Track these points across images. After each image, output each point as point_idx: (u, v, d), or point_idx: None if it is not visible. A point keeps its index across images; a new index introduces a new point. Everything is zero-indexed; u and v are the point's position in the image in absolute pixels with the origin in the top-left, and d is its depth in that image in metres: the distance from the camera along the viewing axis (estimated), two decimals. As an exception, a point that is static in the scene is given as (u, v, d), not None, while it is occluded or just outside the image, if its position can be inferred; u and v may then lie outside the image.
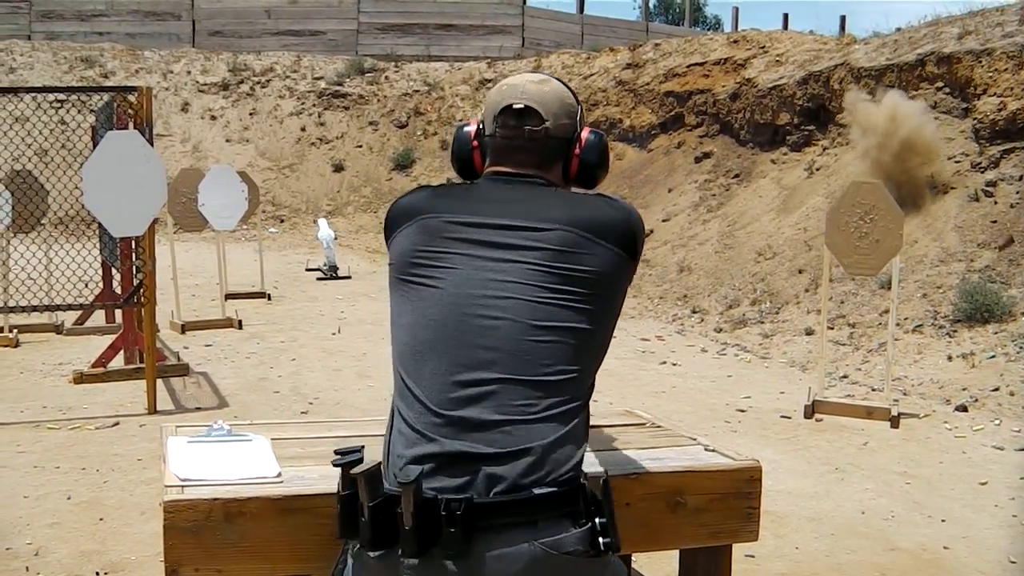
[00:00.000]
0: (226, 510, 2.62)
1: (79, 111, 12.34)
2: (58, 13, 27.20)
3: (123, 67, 25.04)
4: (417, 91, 24.02)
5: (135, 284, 8.03)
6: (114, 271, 9.99)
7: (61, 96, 18.07)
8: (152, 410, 7.57)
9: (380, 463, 2.24)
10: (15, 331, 10.50)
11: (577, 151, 2.58)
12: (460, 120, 22.16)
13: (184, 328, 10.87)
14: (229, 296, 12.18)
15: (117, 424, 7.33)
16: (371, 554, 2.22)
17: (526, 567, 2.17)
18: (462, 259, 2.38)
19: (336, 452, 2.28)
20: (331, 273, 15.25)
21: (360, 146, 22.69)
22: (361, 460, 2.23)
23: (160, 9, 26.55)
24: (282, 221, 20.54)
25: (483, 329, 2.31)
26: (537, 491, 2.20)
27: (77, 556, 4.99)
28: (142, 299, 7.77)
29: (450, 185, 2.62)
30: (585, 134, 2.60)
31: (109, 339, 9.35)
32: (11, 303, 9.44)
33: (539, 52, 24.82)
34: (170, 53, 25.24)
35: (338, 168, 22.16)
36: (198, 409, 7.72)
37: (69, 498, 5.78)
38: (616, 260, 2.39)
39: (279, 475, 2.80)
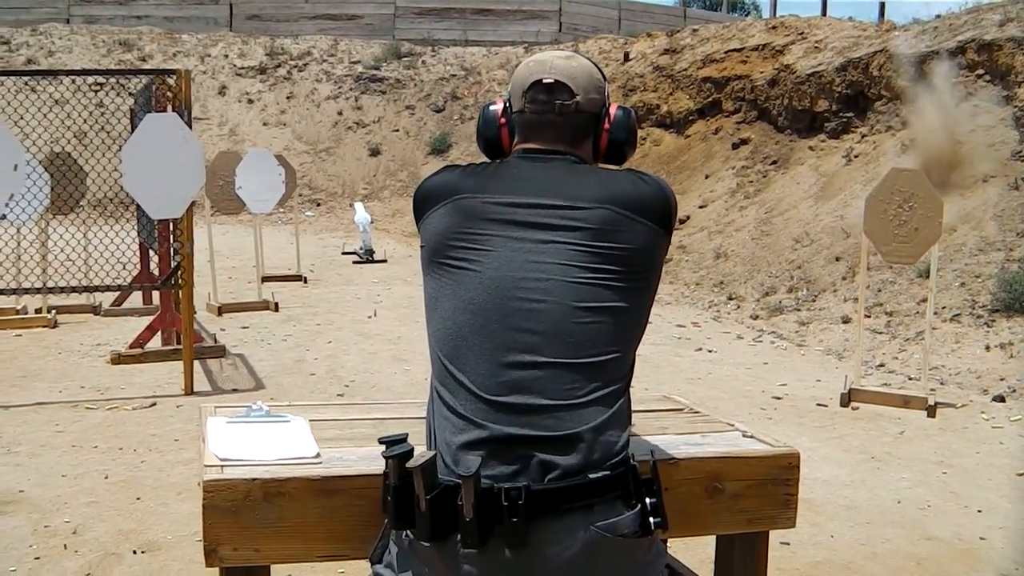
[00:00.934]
0: (265, 490, 2.63)
1: (118, 94, 12.39)
2: (96, -3, 27.33)
3: (161, 51, 25.14)
4: (454, 76, 24.03)
5: (173, 266, 8.07)
6: (152, 253, 10.04)
7: (100, 79, 18.21)
8: (189, 391, 7.62)
9: (434, 454, 2.22)
10: (53, 312, 10.58)
11: (606, 126, 2.54)
12: (497, 105, 22.16)
13: (221, 310, 10.93)
14: (266, 279, 12.24)
15: (154, 405, 7.38)
16: (426, 543, 2.22)
17: (582, 551, 2.17)
18: (500, 241, 2.34)
19: (381, 441, 2.28)
20: (367, 257, 15.29)
21: (397, 130, 22.71)
22: (410, 451, 2.22)
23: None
24: (318, 205, 20.60)
25: (527, 312, 2.28)
26: (591, 475, 2.20)
27: (114, 534, 5.03)
28: (180, 281, 7.81)
29: (480, 164, 2.56)
30: (613, 109, 2.56)
31: (146, 320, 9.41)
32: (50, 284, 9.50)
33: (576, 37, 24.76)
34: (207, 37, 25.32)
35: (374, 152, 22.19)
36: (234, 391, 7.76)
37: (106, 477, 5.83)
38: (653, 236, 2.37)
39: (318, 456, 2.80)
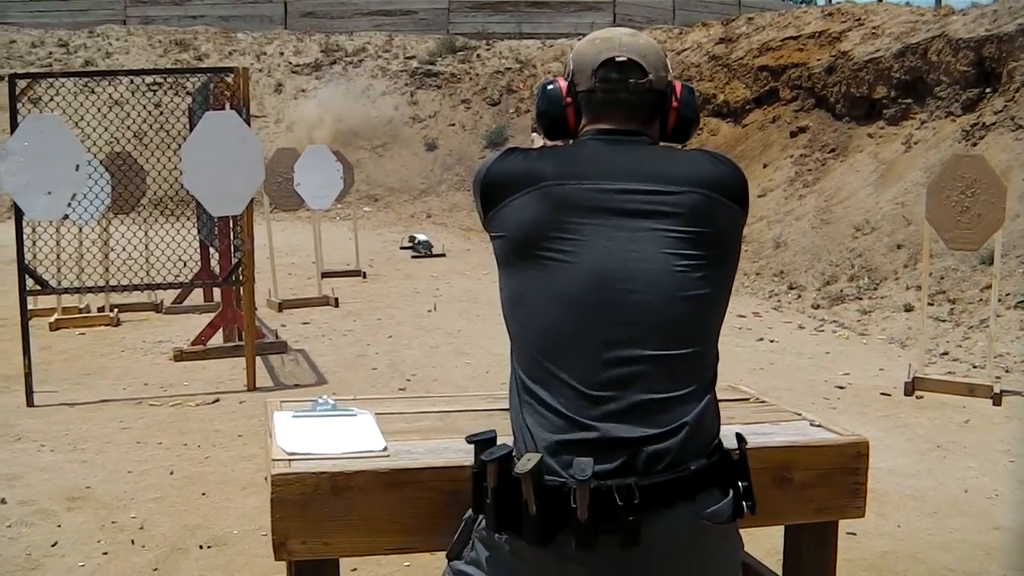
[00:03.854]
0: (333, 483, 2.63)
1: (176, 93, 12.51)
2: (152, -2, 27.57)
3: (217, 50, 25.31)
4: (509, 69, 24.00)
5: (234, 263, 8.12)
6: (212, 250, 10.12)
7: (157, 79, 18.36)
8: (251, 387, 7.67)
9: (540, 457, 2.14)
10: (116, 310, 10.69)
11: (674, 104, 2.47)
12: (552, 97, 22.09)
13: (281, 306, 10.99)
14: (325, 275, 12.28)
15: (217, 401, 7.44)
16: (531, 546, 2.17)
17: (689, 541, 2.19)
18: (594, 229, 2.27)
19: (470, 441, 2.27)
20: (425, 251, 15.31)
21: (453, 124, 22.72)
22: (510, 453, 2.19)
23: (250, -10, 26.83)
24: (376, 200, 20.65)
25: (630, 305, 2.23)
26: (693, 466, 2.19)
27: (181, 530, 5.08)
28: (241, 278, 7.86)
29: (554, 147, 2.49)
30: (678, 87, 2.49)
31: (207, 318, 9.49)
32: (112, 283, 9.59)
33: (631, 28, 24.65)
34: (263, 35, 25.45)
35: (431, 147, 22.21)
36: (296, 386, 7.81)
37: (172, 473, 5.88)
38: (736, 217, 2.36)
39: (385, 449, 2.80)
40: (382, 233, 17.81)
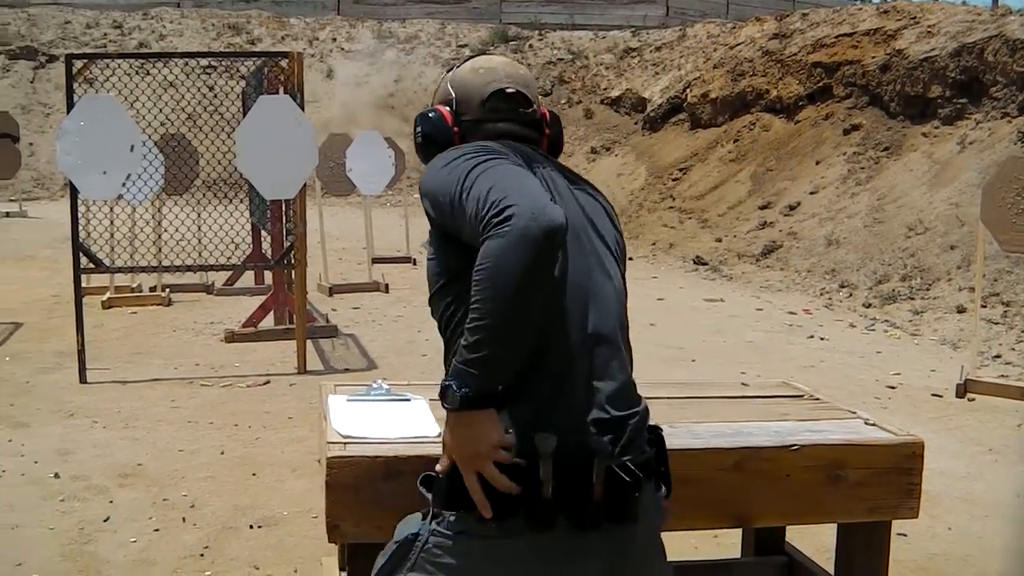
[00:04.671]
0: (387, 468, 2.64)
1: (231, 76, 12.57)
2: (207, -19, 27.72)
3: (269, 34, 25.44)
4: (561, 59, 23.97)
5: (286, 247, 8.17)
6: (264, 234, 10.18)
7: (213, 62, 18.46)
8: (302, 370, 7.71)
9: (555, 438, 2.14)
10: (167, 290, 10.78)
11: (547, 131, 2.57)
12: (604, 89, 22.07)
13: (332, 291, 11.04)
14: (375, 260, 12.32)
15: (268, 383, 7.49)
16: (489, 525, 2.15)
17: (653, 515, 2.30)
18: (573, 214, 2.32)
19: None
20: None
21: (502, 115, 22.70)
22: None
23: (308, -23, 26.90)
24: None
25: (602, 286, 2.34)
26: (649, 449, 2.31)
27: (231, 509, 5.12)
28: (293, 261, 7.90)
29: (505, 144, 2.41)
30: (547, 114, 2.59)
31: (258, 300, 9.55)
32: (164, 263, 9.67)
33: (684, 21, 24.52)
34: (316, 21, 25.56)
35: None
36: (347, 370, 7.85)
37: (222, 453, 5.93)
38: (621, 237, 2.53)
39: (439, 435, 2.81)
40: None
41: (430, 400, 3.15)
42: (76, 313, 7.47)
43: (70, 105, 7.45)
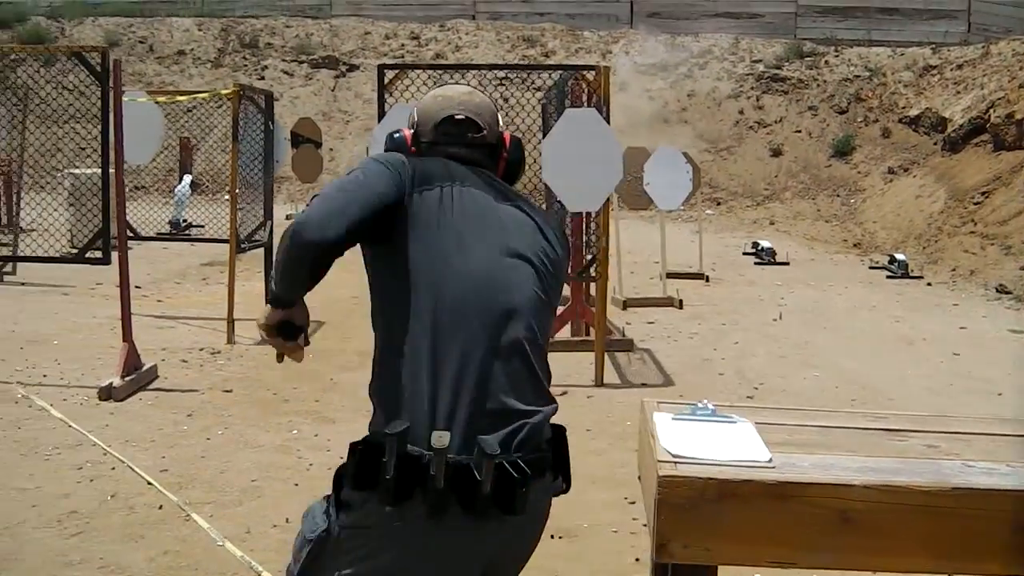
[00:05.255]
0: (720, 490, 2.59)
1: (526, 88, 12.70)
2: (500, -6, 28.26)
3: (563, 47, 25.74)
4: (858, 76, 23.38)
5: (588, 259, 8.21)
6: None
7: (508, 74, 18.78)
8: (599, 383, 7.74)
9: (408, 426, 2.36)
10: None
11: (504, 155, 2.82)
12: (903, 107, 21.43)
13: (626, 304, 11.06)
14: (668, 275, 12.27)
15: (565, 394, 7.52)
16: (387, 509, 2.35)
17: (541, 513, 2.63)
18: (481, 229, 2.57)
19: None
20: (768, 258, 15.07)
21: (799, 131, 22.32)
22: (407, 430, 2.37)
23: (600, -9, 27.11)
24: (718, 204, 20.53)
25: (507, 295, 2.53)
26: (546, 449, 2.57)
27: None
28: (595, 274, 7.93)
29: (446, 162, 2.70)
30: (508, 138, 2.84)
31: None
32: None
33: (986, 38, 23.51)
34: (609, 34, 25.70)
35: (776, 153, 21.89)
36: (643, 385, 7.83)
37: (521, 463, 5.98)
38: (565, 259, 2.79)
39: (770, 460, 2.75)
40: (724, 237, 17.67)
41: (756, 424, 3.09)
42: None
43: (381, 113, 7.70)
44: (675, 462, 2.71)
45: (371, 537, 2.42)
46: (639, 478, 3.44)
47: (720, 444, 2.85)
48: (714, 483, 2.60)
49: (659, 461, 2.73)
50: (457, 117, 2.73)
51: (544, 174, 7.69)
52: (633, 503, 5.34)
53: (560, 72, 9.55)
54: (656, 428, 3.00)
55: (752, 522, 2.61)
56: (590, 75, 7.88)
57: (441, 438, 2.33)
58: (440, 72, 8.95)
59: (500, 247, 2.56)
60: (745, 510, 2.60)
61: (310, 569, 2.48)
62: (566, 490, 2.70)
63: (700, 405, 3.18)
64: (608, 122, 7.62)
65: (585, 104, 8.49)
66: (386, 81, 7.77)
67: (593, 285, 8.88)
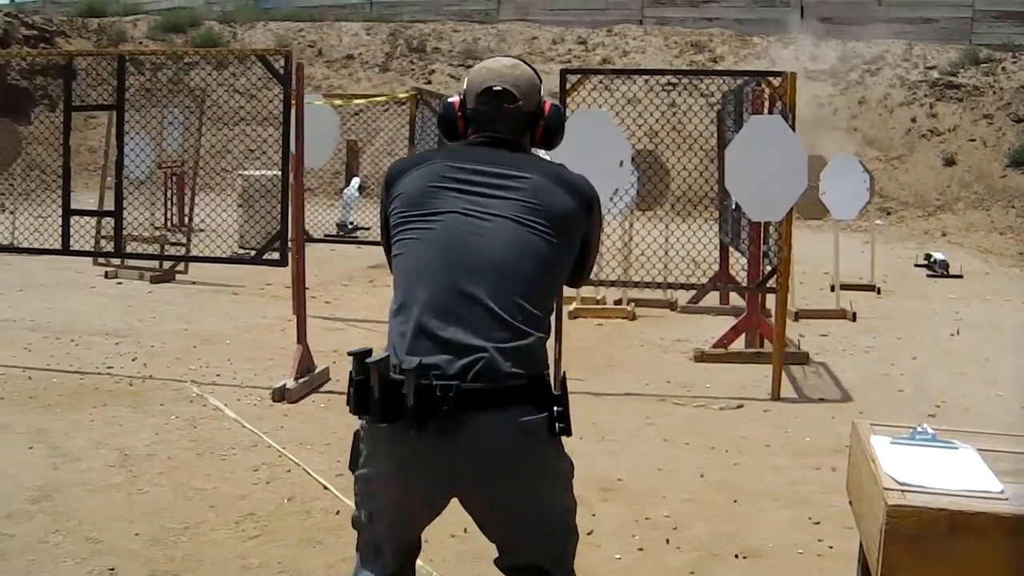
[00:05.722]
0: (951, 522, 2.46)
1: (689, 94, 12.50)
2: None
3: (731, 52, 25.43)
4: (1036, 84, 22.63)
5: (769, 270, 8.03)
6: (737, 254, 10.08)
7: (672, 80, 18.60)
8: (776, 396, 7.55)
9: (387, 355, 2.74)
10: (632, 304, 10.89)
11: (541, 122, 3.11)
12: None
13: (797, 316, 10.80)
14: (841, 287, 11.96)
15: (741, 407, 7.38)
16: (381, 426, 2.70)
17: (499, 439, 2.71)
18: (458, 195, 2.90)
19: (349, 353, 2.78)
20: (941, 271, 14.63)
21: (973, 140, 21.65)
22: (369, 351, 2.72)
23: (769, -4, 26.73)
24: (889, 213, 20.02)
25: (475, 248, 2.82)
26: (511, 382, 2.71)
27: (714, 535, 5.03)
28: (776, 285, 7.74)
29: (446, 147, 3.22)
30: (547, 106, 3.13)
31: (722, 320, 9.47)
32: (634, 278, 9.75)
33: None
34: (778, 39, 25.28)
35: (949, 162, 21.26)
36: (821, 400, 7.62)
37: (702, 476, 5.86)
38: (575, 208, 2.92)
39: (1002, 491, 2.59)
40: (894, 248, 17.21)
41: (978, 450, 2.93)
42: (556, 323, 7.64)
43: (563, 120, 7.61)
44: (903, 490, 2.57)
45: (371, 439, 2.84)
46: (850, 503, 3.29)
47: (946, 472, 2.71)
48: (945, 515, 2.47)
49: (885, 489, 2.60)
50: (495, 88, 3.04)
51: (726, 181, 7.54)
52: (818, 523, 5.19)
53: (741, 78, 9.33)
54: (876, 452, 2.87)
55: (983, 556, 2.48)
56: (776, 81, 7.66)
57: (412, 362, 2.69)
58: (623, 77, 8.82)
59: (473, 210, 2.86)
60: (978, 544, 2.47)
61: (353, 455, 2.90)
62: (560, 432, 2.79)
63: (919, 429, 3.05)
64: (794, 129, 7.41)
65: (765, 111, 8.29)
66: (568, 86, 7.68)
67: (769, 296, 8.69)
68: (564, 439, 2.81)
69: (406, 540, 2.98)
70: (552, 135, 3.14)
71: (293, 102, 7.65)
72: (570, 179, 2.95)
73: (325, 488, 5.49)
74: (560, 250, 2.89)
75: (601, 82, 8.07)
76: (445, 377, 2.67)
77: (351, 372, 2.74)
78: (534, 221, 2.85)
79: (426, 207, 2.91)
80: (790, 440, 6.61)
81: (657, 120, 9.43)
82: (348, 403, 2.78)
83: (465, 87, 3.13)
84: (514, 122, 3.05)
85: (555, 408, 2.76)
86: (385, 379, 2.68)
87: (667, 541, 4.94)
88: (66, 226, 8.33)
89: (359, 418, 2.83)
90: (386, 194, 3.07)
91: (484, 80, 3.07)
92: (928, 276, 14.58)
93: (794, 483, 5.78)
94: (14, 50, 21.24)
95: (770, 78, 7.86)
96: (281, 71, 7.60)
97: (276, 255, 7.82)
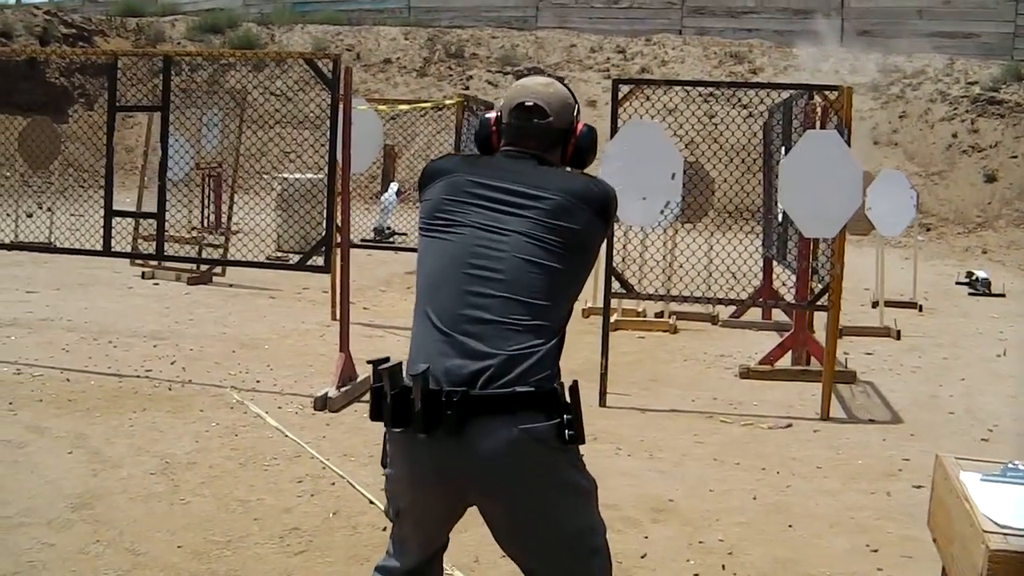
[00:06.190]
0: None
1: (732, 106, 12.41)
2: (709, 9, 27.95)
3: (771, 64, 25.28)
4: (1078, 100, 22.39)
5: (820, 288, 7.88)
6: (782, 269, 9.95)
7: (713, 91, 18.44)
8: (825, 416, 7.39)
9: (400, 363, 2.82)
10: (673, 317, 10.76)
11: (573, 139, 3.20)
12: None
13: (841, 333, 10.62)
14: (878, 304, 11.79)
15: (790, 426, 7.23)
16: (396, 430, 2.79)
17: (506, 446, 2.73)
18: (477, 210, 2.98)
19: (368, 361, 2.90)
20: (983, 289, 14.44)
21: (1015, 156, 21.43)
22: (400, 366, 2.82)
23: (809, 7, 26.49)
24: (929, 230, 19.81)
25: (490, 259, 2.89)
26: (519, 389, 2.75)
27: (771, 562, 4.90)
28: (828, 303, 7.60)
29: (475, 155, 3.29)
30: (580, 126, 3.22)
31: (764, 335, 9.33)
32: (673, 291, 9.63)
33: None
34: (819, 51, 25.10)
35: (990, 179, 21.06)
36: (871, 421, 7.46)
37: (755, 498, 5.72)
38: (594, 223, 2.99)
39: (1110, 536, 2.45)
40: (935, 264, 17.02)
41: (1075, 489, 2.79)
42: (603, 336, 7.54)
43: (613, 129, 7.51)
44: (1004, 534, 2.44)
45: (391, 440, 2.91)
46: (934, 540, 3.16)
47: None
48: (1052, 561, 2.33)
49: (984, 531, 2.47)
50: (527, 104, 3.13)
51: (780, 196, 7.41)
52: (875, 551, 5.05)
53: (789, 91, 9.18)
54: (969, 491, 2.73)
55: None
56: (832, 95, 7.52)
57: (418, 368, 2.76)
58: (677, 88, 8.68)
59: (490, 225, 2.94)
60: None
61: (384, 455, 2.94)
62: (571, 440, 2.79)
63: (1011, 465, 2.91)
64: (849, 145, 7.27)
65: (817, 125, 8.16)
66: (620, 96, 7.56)
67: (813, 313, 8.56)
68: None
69: (430, 538, 3.09)
70: (584, 155, 3.24)
71: (341, 106, 7.54)
72: (590, 195, 3.02)
73: (371, 503, 5.38)
74: (573, 266, 2.98)
75: (643, 91, 7.91)
76: (454, 383, 2.75)
77: (370, 379, 2.87)
78: (549, 239, 2.92)
79: (446, 219, 3.01)
80: (842, 462, 6.46)
81: (699, 131, 9.31)
82: (379, 420, 2.87)
83: (502, 103, 3.26)
84: (544, 137, 3.15)
85: (564, 415, 2.79)
86: (396, 385, 2.78)
87: (723, 567, 4.81)
88: (107, 227, 8.27)
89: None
90: (420, 194, 3.18)
91: (518, 96, 3.19)
92: (970, 294, 14.40)
93: (849, 508, 5.63)
94: (56, 48, 21.26)
95: (826, 92, 7.73)
96: (329, 75, 7.51)
97: (320, 260, 7.73)
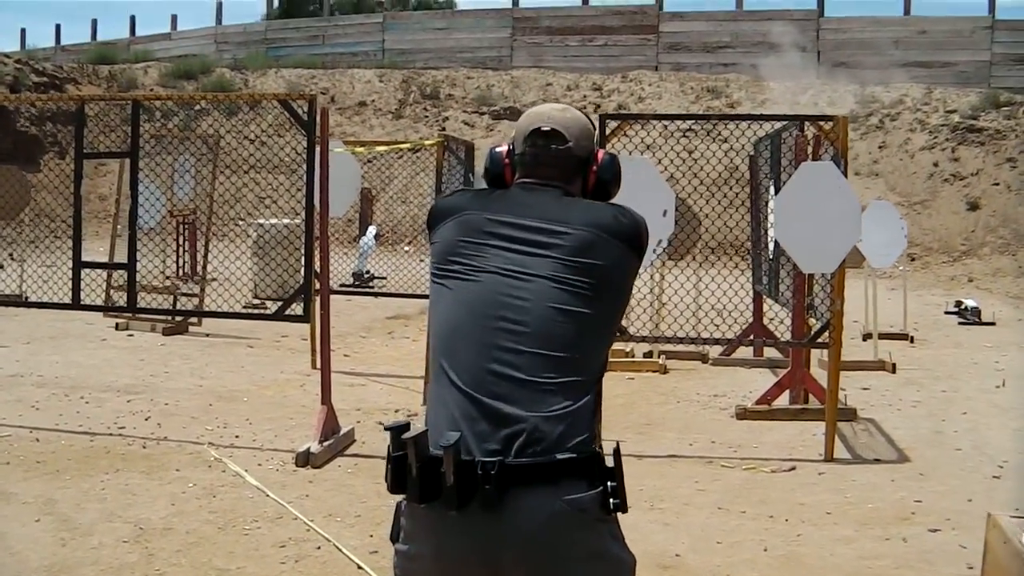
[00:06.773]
0: None
1: (712, 140, 12.23)
2: (684, 45, 27.96)
3: (748, 97, 25.21)
4: (1059, 126, 22.34)
5: (820, 325, 7.61)
6: (772, 304, 9.70)
7: (692, 125, 18.25)
8: (829, 457, 7.11)
9: (425, 430, 2.52)
10: (663, 357, 10.49)
11: (594, 168, 2.89)
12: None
13: (835, 368, 10.39)
14: (869, 336, 11.55)
15: (793, 469, 6.95)
16: (420, 506, 2.51)
17: (548, 520, 2.46)
18: (495, 251, 2.69)
19: (386, 428, 2.56)
20: (973, 318, 14.24)
21: (997, 184, 21.33)
22: (407, 426, 2.52)
23: (784, 40, 26.42)
24: (913, 259, 19.63)
25: (515, 309, 2.60)
26: (559, 456, 2.48)
27: (787, 620, 4.60)
28: (828, 340, 7.33)
29: (488, 190, 2.95)
30: (601, 155, 2.92)
31: (756, 373, 9.08)
32: (664, 329, 9.37)
33: None
34: (795, 84, 25.02)
35: (973, 206, 20.94)
36: (877, 461, 7.18)
37: (765, 550, 5.43)
38: (625, 257, 2.70)
39: None
40: (922, 294, 16.81)
41: None
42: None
43: (602, 166, 7.26)
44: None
45: (408, 515, 2.62)
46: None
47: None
48: None
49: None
50: (544, 129, 2.86)
51: (775, 231, 7.14)
52: (897, 604, 4.76)
53: (775, 123, 8.96)
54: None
55: None
56: (827, 125, 7.28)
57: (450, 439, 2.47)
58: (655, 123, 8.48)
59: (511, 269, 2.67)
60: None
61: (395, 527, 2.67)
62: (615, 509, 2.54)
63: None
64: (846, 176, 7.02)
65: (809, 157, 7.92)
66: (608, 132, 7.33)
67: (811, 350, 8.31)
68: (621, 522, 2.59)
69: None
70: (608, 186, 2.93)
71: (318, 148, 7.26)
72: (618, 227, 2.74)
73: (359, 568, 5.06)
74: (603, 308, 2.68)
75: (619, 127, 7.69)
76: (487, 452, 2.49)
77: (388, 448, 2.57)
78: (574, 281, 2.65)
79: (462, 263, 2.74)
80: (852, 506, 6.17)
81: (678, 167, 9.08)
82: (386, 479, 2.60)
83: (514, 135, 2.97)
84: (563, 166, 2.87)
85: (608, 483, 2.54)
86: (423, 456, 2.50)
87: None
88: (76, 279, 7.96)
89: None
90: (430, 235, 2.92)
91: (532, 122, 2.91)
92: (960, 323, 14.20)
93: (865, 557, 5.34)
94: (24, 95, 20.93)
95: (820, 122, 7.49)
96: (304, 116, 7.24)
97: (299, 309, 7.44)
